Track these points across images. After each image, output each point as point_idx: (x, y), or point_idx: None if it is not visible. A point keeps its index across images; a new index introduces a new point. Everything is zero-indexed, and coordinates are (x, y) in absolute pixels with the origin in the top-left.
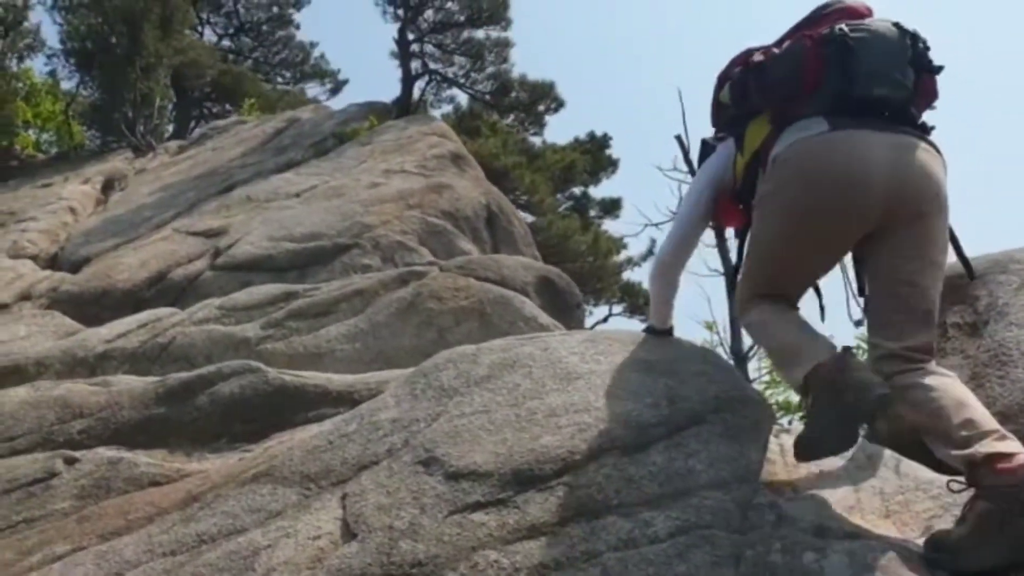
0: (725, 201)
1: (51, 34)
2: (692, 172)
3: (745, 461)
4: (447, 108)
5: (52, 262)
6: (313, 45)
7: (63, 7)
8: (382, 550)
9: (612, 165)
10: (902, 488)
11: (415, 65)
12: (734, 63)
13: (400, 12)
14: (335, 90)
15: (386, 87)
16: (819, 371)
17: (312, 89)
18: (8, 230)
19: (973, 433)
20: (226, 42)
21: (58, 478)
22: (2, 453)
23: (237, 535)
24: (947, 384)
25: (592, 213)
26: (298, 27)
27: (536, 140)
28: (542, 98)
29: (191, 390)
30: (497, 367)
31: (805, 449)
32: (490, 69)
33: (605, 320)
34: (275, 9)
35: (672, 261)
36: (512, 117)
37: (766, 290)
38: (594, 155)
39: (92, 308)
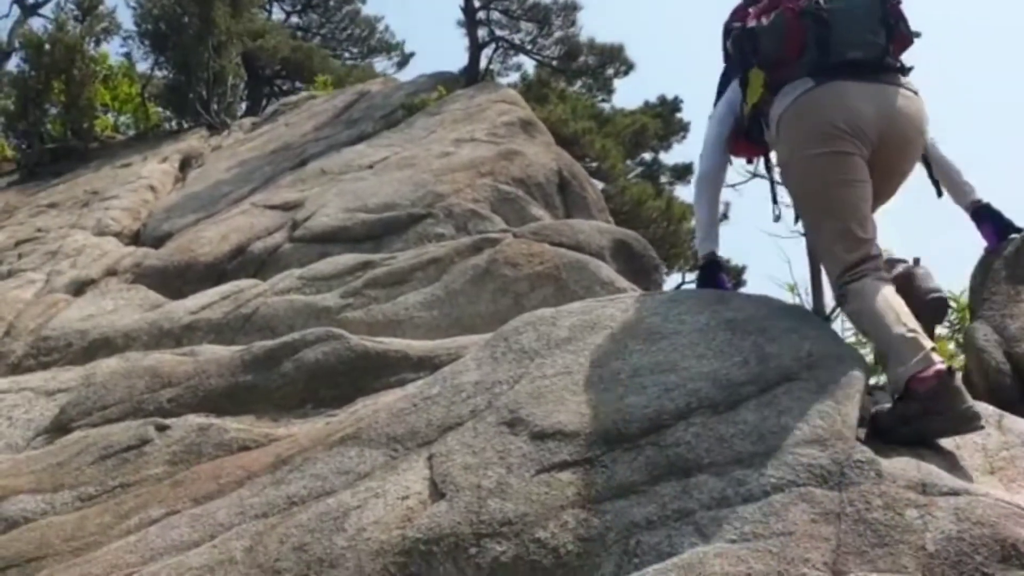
0: (735, 134)
1: (125, 17)
2: None
3: (841, 417)
4: (515, 76)
5: (135, 238)
6: (379, 19)
7: None
8: (471, 509)
9: (683, 129)
10: (1006, 444)
11: (482, 33)
12: (734, 14)
13: None
14: (402, 63)
15: (453, 57)
16: (920, 387)
17: (379, 63)
18: (92, 209)
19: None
20: (294, 19)
21: (151, 444)
22: (96, 422)
23: (327, 496)
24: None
25: (663, 179)
26: (364, 2)
27: (605, 105)
28: (611, 61)
29: (276, 358)
30: (577, 329)
31: (877, 432)
32: (557, 34)
33: (678, 288)
34: None
35: (714, 176)
36: (580, 82)
37: (846, 247)
38: (665, 119)
39: (176, 282)
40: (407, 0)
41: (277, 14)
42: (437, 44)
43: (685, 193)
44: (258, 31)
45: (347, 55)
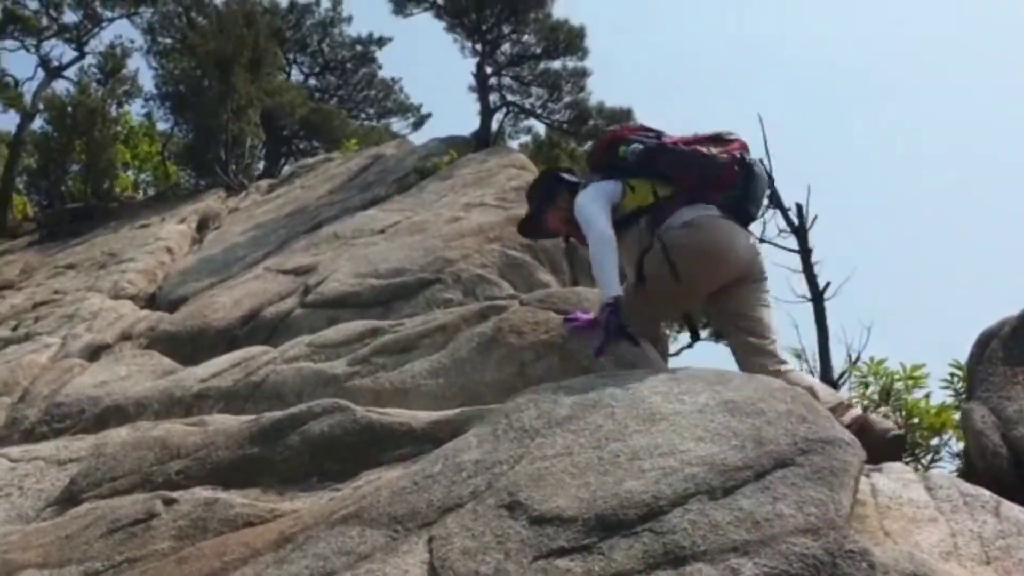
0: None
1: (146, 79)
2: (775, 194)
3: (835, 505)
4: (525, 138)
5: (150, 302)
6: (395, 81)
7: (158, 52)
8: None
9: None
10: (1002, 532)
11: (493, 98)
12: (632, 131)
13: (477, 47)
14: (418, 124)
15: (467, 120)
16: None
17: (396, 124)
18: (109, 271)
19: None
20: (312, 81)
21: (158, 519)
22: (105, 493)
23: None
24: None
25: None
26: (380, 66)
27: None
28: (618, 123)
29: (282, 429)
30: (579, 407)
31: None
32: (567, 99)
33: (690, 345)
34: (358, 48)
35: (611, 236)
36: (590, 144)
37: (652, 325)
38: None
39: (188, 347)
40: (422, 64)
41: (296, 76)
42: (454, 105)
43: None
44: (276, 90)
45: (363, 116)
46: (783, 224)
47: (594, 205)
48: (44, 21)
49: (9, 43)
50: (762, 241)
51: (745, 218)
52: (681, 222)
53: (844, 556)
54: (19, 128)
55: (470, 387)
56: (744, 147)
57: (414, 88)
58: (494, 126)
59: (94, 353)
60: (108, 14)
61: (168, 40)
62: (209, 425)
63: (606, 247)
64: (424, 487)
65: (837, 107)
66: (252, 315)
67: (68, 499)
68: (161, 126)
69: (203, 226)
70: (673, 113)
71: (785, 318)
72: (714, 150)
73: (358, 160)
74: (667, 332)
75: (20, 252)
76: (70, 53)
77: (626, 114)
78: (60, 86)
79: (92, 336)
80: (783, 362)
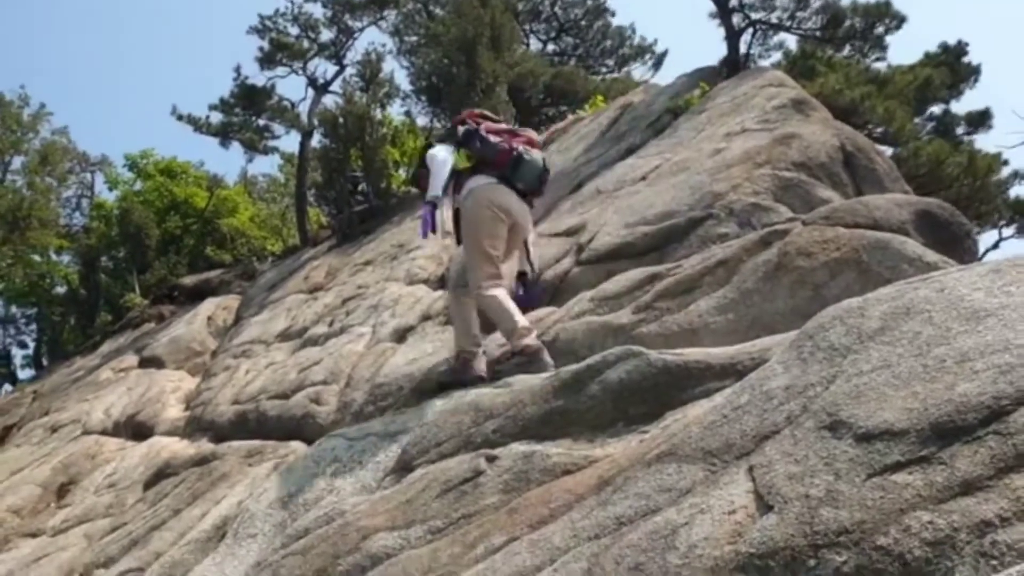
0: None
1: (401, 78)
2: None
3: None
4: (777, 55)
5: (440, 282)
6: (629, 27)
7: (406, 51)
8: (803, 519)
9: (973, 73)
10: None
11: (736, 20)
12: (472, 116)
13: None
14: (657, 64)
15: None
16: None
17: (636, 69)
18: (401, 261)
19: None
20: (550, 47)
21: (484, 475)
22: (433, 458)
23: (653, 515)
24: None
25: (959, 131)
26: (614, 13)
27: (880, 65)
28: (879, 19)
29: (582, 380)
30: (890, 317)
31: (497, 371)
32: (816, 3)
33: (995, 246)
34: (588, 2)
35: (444, 160)
36: (849, 47)
37: (490, 268)
38: (950, 66)
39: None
40: (655, 1)
41: (534, 45)
42: (692, 37)
43: (987, 143)
44: (517, 62)
45: (604, 69)
46: None
47: (441, 152)
48: (305, 44)
49: (280, 70)
50: None
51: (520, 189)
52: (467, 191)
53: None
54: (301, 146)
55: (762, 318)
56: (527, 141)
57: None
58: (742, 49)
59: (401, 335)
60: (358, 25)
61: (414, 37)
62: (514, 385)
63: (443, 167)
64: (734, 419)
65: None
66: (534, 280)
67: (402, 467)
68: (421, 121)
69: None
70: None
71: None
72: (494, 139)
73: (607, 113)
74: None
75: (323, 257)
76: (332, 68)
77: (885, 5)
78: (328, 100)
79: (397, 321)
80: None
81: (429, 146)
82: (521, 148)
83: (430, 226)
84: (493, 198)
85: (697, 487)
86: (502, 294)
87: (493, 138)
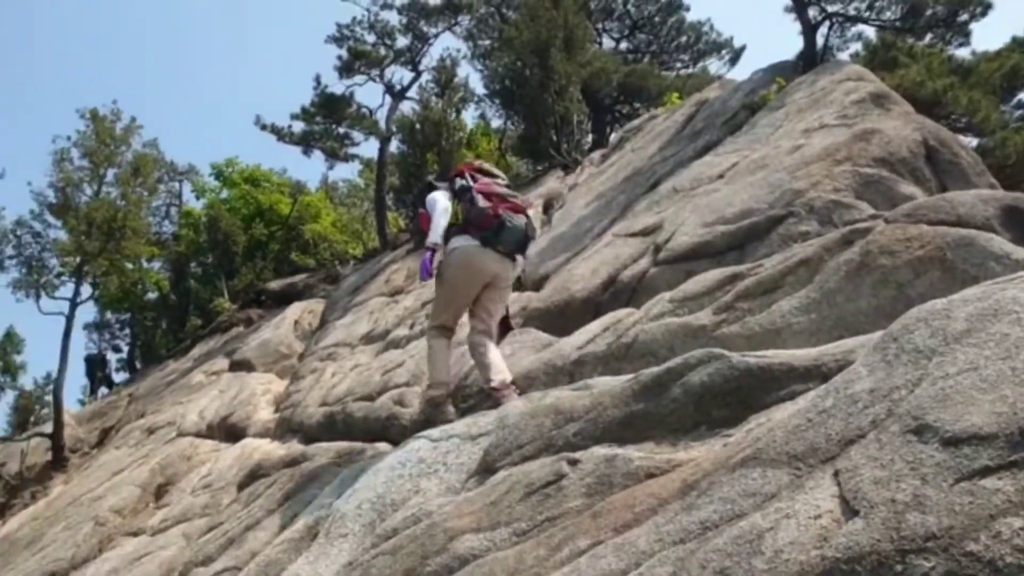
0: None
1: (475, 82)
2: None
3: None
4: (856, 46)
5: (517, 284)
6: (704, 22)
7: (480, 55)
8: (889, 525)
9: None
10: None
11: (813, 13)
12: (471, 169)
13: None
14: (734, 60)
15: (786, 43)
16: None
17: (712, 65)
18: None
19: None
20: (623, 44)
21: (566, 479)
22: (515, 461)
23: (738, 519)
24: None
25: None
26: (688, 8)
27: (964, 53)
28: (964, 5)
29: (663, 383)
30: (977, 319)
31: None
32: None
33: None
34: None
35: (445, 208)
36: (930, 36)
37: (447, 320)
38: None
39: (558, 320)
40: None
41: (607, 43)
42: (768, 32)
43: None
44: (589, 61)
45: (679, 65)
46: None
47: (442, 200)
48: (382, 51)
49: (358, 78)
50: None
51: (502, 251)
52: (451, 248)
53: None
54: (380, 152)
55: (845, 318)
56: (514, 208)
57: (724, 25)
58: (819, 42)
59: None
60: (433, 30)
61: (487, 41)
62: (594, 388)
63: (442, 216)
64: (819, 423)
65: None
66: (610, 281)
67: (485, 469)
68: (495, 123)
69: (548, 207)
70: None
71: None
72: (483, 204)
73: (682, 110)
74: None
75: (401, 260)
76: (408, 75)
77: None
78: (405, 107)
79: None
80: (491, 338)
81: (431, 187)
82: (504, 215)
83: (428, 271)
84: (473, 261)
85: (783, 492)
86: (441, 346)
87: (482, 202)
